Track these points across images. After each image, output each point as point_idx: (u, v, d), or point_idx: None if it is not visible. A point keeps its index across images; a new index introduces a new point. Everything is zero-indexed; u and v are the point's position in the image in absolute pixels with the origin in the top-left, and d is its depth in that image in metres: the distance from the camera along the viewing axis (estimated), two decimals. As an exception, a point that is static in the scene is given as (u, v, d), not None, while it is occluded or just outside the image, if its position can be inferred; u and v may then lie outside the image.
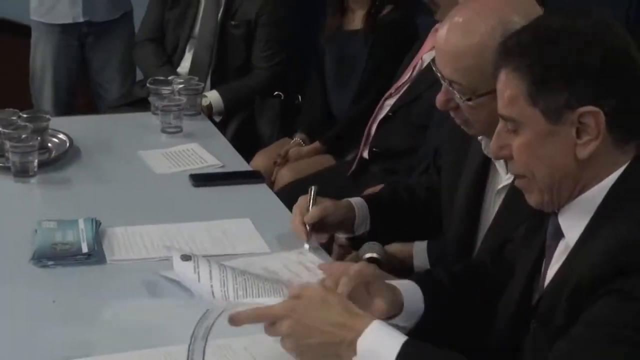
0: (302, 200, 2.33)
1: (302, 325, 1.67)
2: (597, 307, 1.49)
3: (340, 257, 2.55)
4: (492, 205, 2.14)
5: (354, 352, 1.63)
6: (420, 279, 1.94)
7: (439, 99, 2.04)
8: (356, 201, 2.41)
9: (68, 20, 4.30)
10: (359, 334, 1.64)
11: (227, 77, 4.09)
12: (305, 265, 2.22)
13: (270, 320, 1.71)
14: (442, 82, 2.01)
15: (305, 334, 1.67)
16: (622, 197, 1.59)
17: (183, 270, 2.09)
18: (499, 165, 2.11)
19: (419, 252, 2.52)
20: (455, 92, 1.98)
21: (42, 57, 4.40)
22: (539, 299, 1.69)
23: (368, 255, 2.45)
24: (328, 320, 1.66)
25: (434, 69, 2.03)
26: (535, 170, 1.63)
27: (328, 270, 1.91)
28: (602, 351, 1.48)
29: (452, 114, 2.06)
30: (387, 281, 1.87)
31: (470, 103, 1.96)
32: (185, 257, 2.12)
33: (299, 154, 3.80)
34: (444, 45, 1.98)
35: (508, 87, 1.62)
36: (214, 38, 4.06)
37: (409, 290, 1.88)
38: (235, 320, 1.71)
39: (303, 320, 1.67)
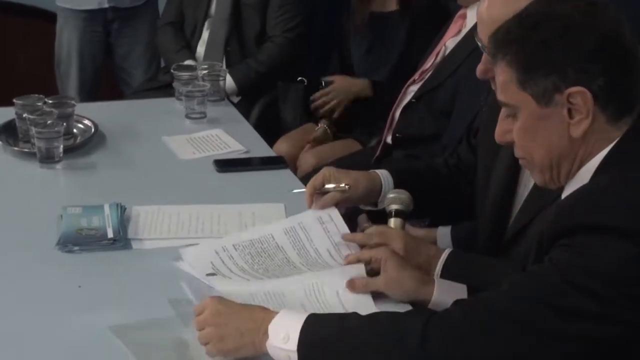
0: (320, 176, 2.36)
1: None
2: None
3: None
4: (527, 184, 2.15)
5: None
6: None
7: (479, 68, 2.08)
8: (382, 173, 2.40)
9: (93, 5, 4.31)
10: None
11: (243, 51, 4.03)
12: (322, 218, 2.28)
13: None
14: (483, 51, 2.05)
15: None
16: (608, 166, 1.63)
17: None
18: None
19: (443, 236, 2.52)
20: None
21: (67, 43, 4.41)
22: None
23: (394, 207, 2.28)
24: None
25: (475, 39, 2.08)
26: (533, 152, 1.69)
27: (351, 240, 2.19)
28: (521, 285, 1.56)
29: (492, 84, 2.08)
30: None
31: None
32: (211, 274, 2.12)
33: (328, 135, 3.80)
34: (485, 14, 2.03)
35: (500, 74, 1.68)
36: (229, 13, 4.02)
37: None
38: None
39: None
